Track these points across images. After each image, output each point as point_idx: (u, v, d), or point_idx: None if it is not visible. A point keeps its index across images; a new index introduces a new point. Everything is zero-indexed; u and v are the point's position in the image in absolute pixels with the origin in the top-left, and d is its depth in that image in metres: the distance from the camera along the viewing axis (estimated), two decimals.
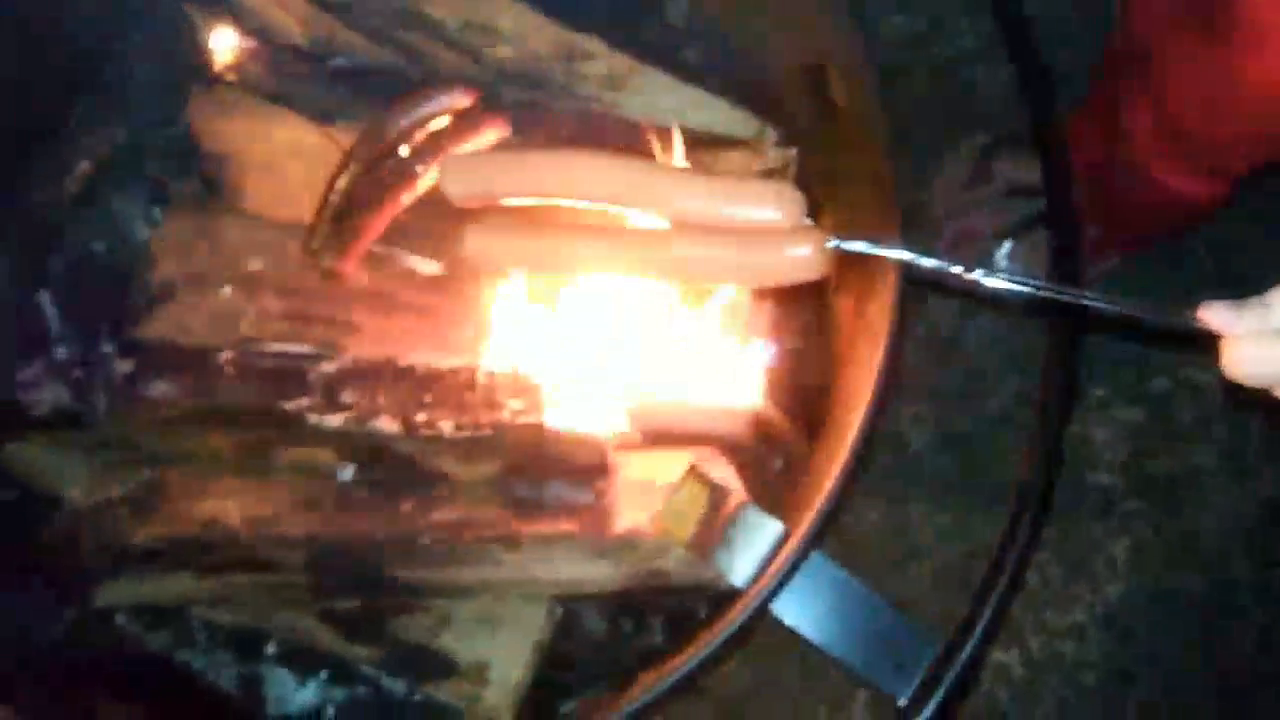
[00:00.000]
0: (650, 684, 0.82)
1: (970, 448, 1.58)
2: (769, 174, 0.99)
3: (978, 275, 0.69)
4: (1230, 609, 1.53)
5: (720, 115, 1.09)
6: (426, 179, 0.95)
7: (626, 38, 1.15)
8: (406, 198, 0.96)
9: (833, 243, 0.73)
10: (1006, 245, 1.57)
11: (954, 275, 0.70)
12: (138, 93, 1.19)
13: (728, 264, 0.73)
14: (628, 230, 0.79)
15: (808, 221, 0.74)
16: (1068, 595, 1.54)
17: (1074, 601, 1.54)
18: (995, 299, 1.61)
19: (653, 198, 0.74)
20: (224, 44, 1.13)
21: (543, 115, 1.05)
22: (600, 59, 1.11)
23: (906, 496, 1.56)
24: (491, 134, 0.94)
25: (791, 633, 0.89)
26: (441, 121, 0.94)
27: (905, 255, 0.73)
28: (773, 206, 0.72)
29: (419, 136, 0.95)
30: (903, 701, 0.85)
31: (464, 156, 0.87)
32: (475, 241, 0.79)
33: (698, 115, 1.09)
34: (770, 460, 1.16)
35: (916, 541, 1.55)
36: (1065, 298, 0.67)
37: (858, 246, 0.73)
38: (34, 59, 1.15)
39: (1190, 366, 1.62)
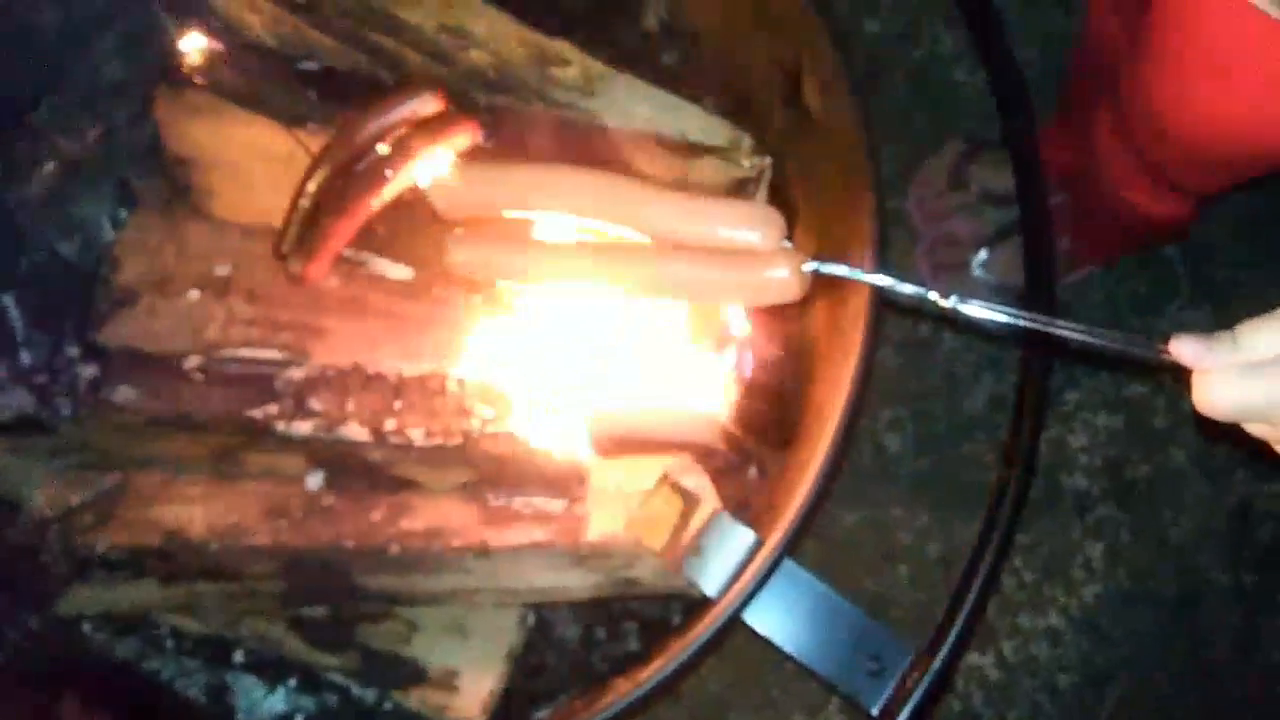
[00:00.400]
0: (623, 692, 0.82)
1: (946, 450, 1.59)
2: (743, 183, 0.99)
3: (953, 302, 0.70)
4: (1205, 611, 1.54)
5: (695, 122, 1.08)
6: (397, 183, 0.94)
7: (602, 42, 1.14)
8: (377, 202, 0.95)
9: (811, 266, 0.74)
10: (983, 254, 1.57)
11: (930, 301, 0.71)
12: (105, 93, 1.17)
13: (707, 283, 0.75)
14: (609, 245, 0.79)
15: (787, 244, 0.75)
16: (1043, 598, 1.55)
17: (1049, 604, 1.55)
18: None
19: (635, 215, 0.76)
20: (192, 45, 1.11)
21: (515, 121, 1.03)
22: (574, 64, 1.09)
23: (884, 499, 1.56)
24: (462, 138, 0.93)
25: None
26: (412, 124, 0.93)
27: (884, 281, 0.74)
28: (752, 227, 0.74)
29: (390, 139, 0.93)
30: (875, 710, 0.85)
31: (453, 171, 0.88)
32: (458, 252, 0.80)
33: (672, 122, 1.08)
34: (745, 467, 1.16)
35: (894, 543, 1.55)
36: (1039, 326, 0.68)
37: (837, 270, 0.75)
38: (0, 56, 1.13)
39: (1164, 372, 1.62)
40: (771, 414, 1.13)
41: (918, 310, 1.61)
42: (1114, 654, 1.53)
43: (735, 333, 1.09)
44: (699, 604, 1.00)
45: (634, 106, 1.09)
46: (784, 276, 0.74)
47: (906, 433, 1.60)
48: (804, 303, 1.12)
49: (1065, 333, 0.67)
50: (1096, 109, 1.18)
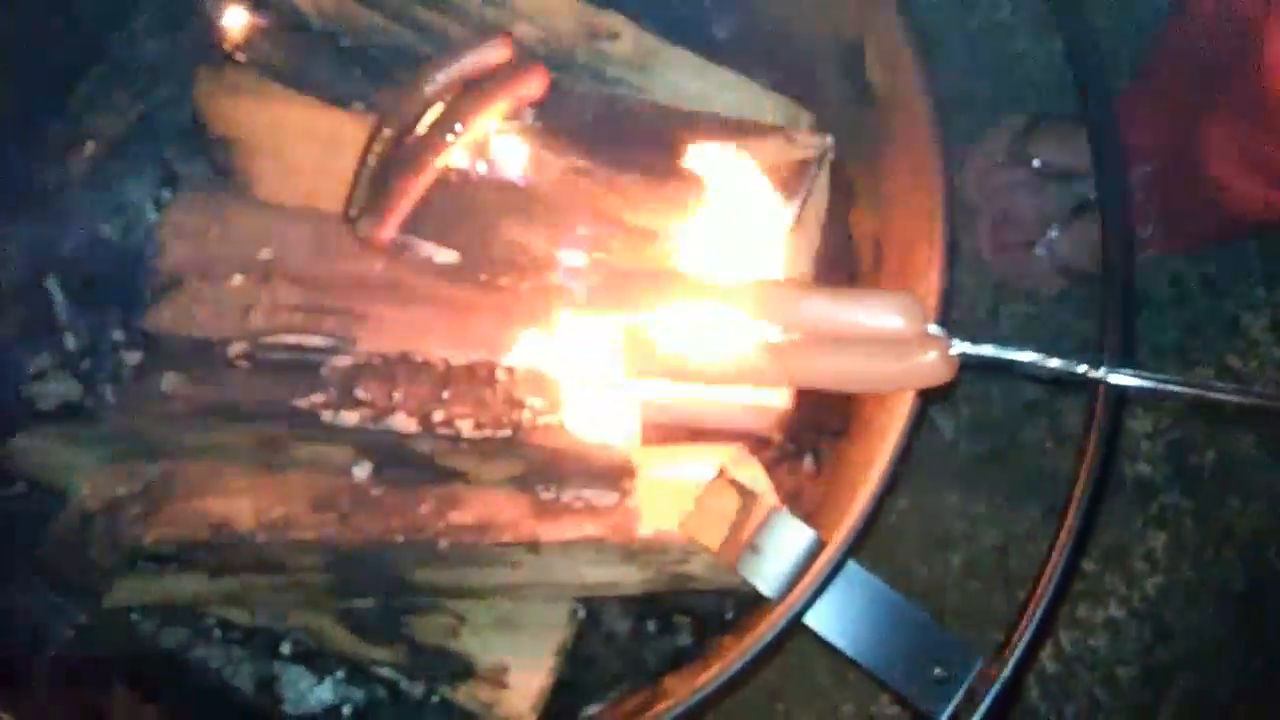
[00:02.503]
0: (681, 697, 0.79)
1: (1003, 435, 1.54)
2: (805, 164, 0.94)
3: (1103, 374, 0.69)
4: (1272, 604, 1.48)
5: (750, 98, 1.04)
6: (466, 137, 0.90)
7: (654, 13, 1.10)
8: (443, 161, 0.91)
9: (959, 349, 0.76)
10: (1052, 233, 1.51)
11: (1079, 374, 0.74)
12: (146, 71, 1.15)
13: (857, 373, 0.78)
14: (765, 342, 0.82)
15: (931, 329, 0.77)
16: (1103, 589, 1.50)
17: (1109, 595, 1.50)
18: (1031, 289, 1.56)
19: (786, 313, 0.79)
20: (235, 22, 1.08)
21: (566, 99, 0.99)
22: (625, 38, 1.05)
23: (937, 484, 1.52)
24: (531, 86, 0.90)
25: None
26: (479, 75, 0.89)
27: (1031, 357, 0.77)
28: (897, 315, 0.77)
29: (456, 95, 0.90)
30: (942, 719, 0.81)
31: (609, 279, 0.94)
32: (632, 357, 0.85)
33: (726, 98, 1.04)
34: (799, 456, 1.12)
35: (948, 530, 1.51)
36: (1197, 392, 0.66)
37: (984, 351, 0.77)
38: (40, 34, 1.11)
39: (1232, 354, 1.56)
40: (827, 402, 1.09)
41: (974, 292, 1.58)
42: (1176, 648, 1.48)
43: None
44: (754, 599, 0.97)
45: (686, 82, 1.05)
46: (932, 360, 0.76)
47: (961, 416, 1.55)
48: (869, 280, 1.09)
49: (1228, 397, 0.65)
50: (1194, 89, 1.12)
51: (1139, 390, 0.71)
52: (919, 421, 0.86)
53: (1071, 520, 0.77)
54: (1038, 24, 1.63)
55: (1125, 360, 0.78)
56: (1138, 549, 1.52)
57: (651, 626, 1.08)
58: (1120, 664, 1.48)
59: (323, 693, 1.07)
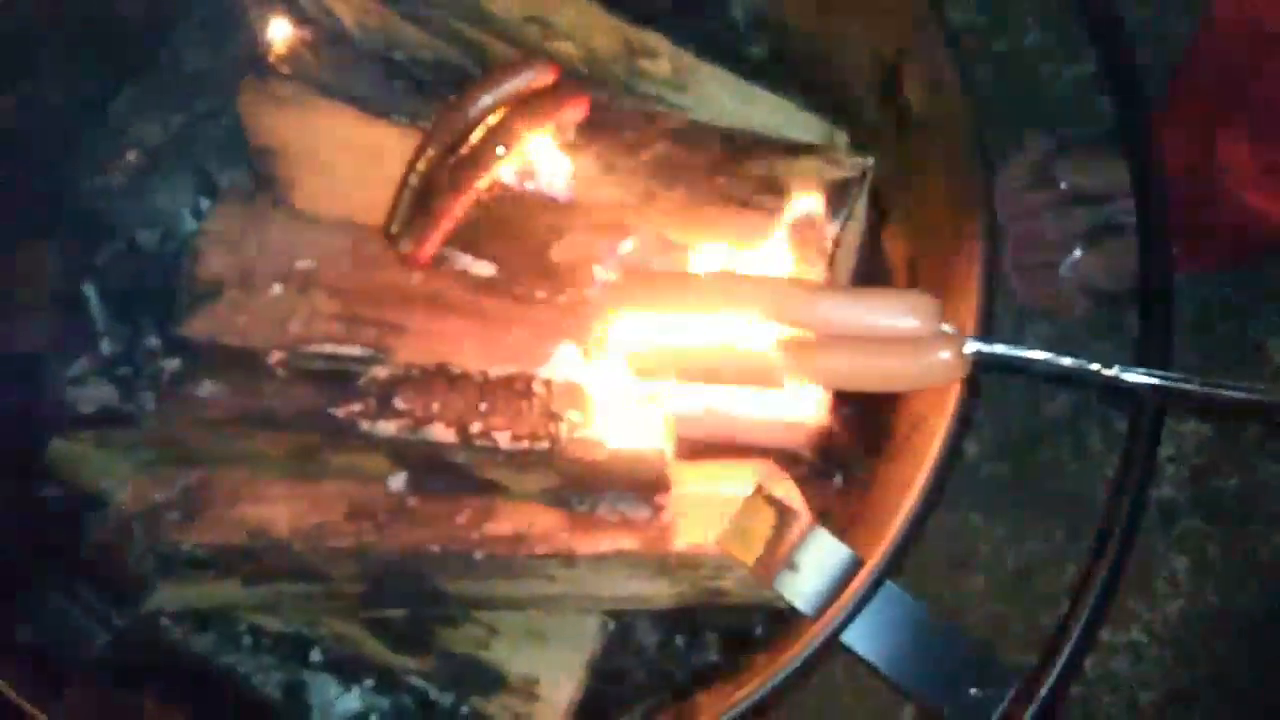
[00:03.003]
0: (715, 714, 0.79)
1: (1026, 456, 1.54)
2: (845, 184, 0.95)
3: (1116, 371, 0.71)
4: None
5: (787, 118, 1.05)
6: (509, 159, 0.91)
7: (686, 33, 1.11)
8: (488, 179, 0.92)
9: (973, 347, 0.76)
10: (1075, 254, 1.51)
11: (1091, 372, 0.73)
12: (188, 82, 1.16)
13: (871, 372, 0.78)
14: (777, 341, 0.82)
15: (946, 327, 0.77)
16: (1125, 612, 1.50)
17: (1131, 619, 1.50)
18: (1054, 310, 1.57)
19: (799, 312, 0.79)
20: (278, 34, 1.09)
21: (606, 117, 1.00)
22: (663, 56, 1.06)
23: (959, 504, 1.52)
24: (573, 112, 0.91)
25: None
26: (523, 98, 0.90)
27: (1043, 356, 0.76)
28: (912, 315, 0.77)
29: (500, 115, 0.91)
30: None
31: (621, 280, 0.94)
32: (638, 361, 0.87)
33: (763, 117, 1.04)
34: (830, 474, 1.12)
35: (969, 551, 1.51)
36: (1208, 391, 0.67)
37: (998, 350, 0.77)
38: (83, 44, 1.12)
39: (1260, 380, 1.56)
40: (860, 420, 1.09)
41: (998, 313, 1.58)
42: (1198, 673, 1.48)
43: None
44: (783, 616, 0.97)
45: (723, 101, 1.06)
46: (946, 359, 0.76)
47: (984, 437, 1.55)
48: None
49: (1243, 396, 0.65)
50: (1221, 106, 1.13)
51: (1162, 392, 0.70)
52: (958, 441, 0.87)
53: (1114, 526, 0.77)
54: (1065, 48, 1.64)
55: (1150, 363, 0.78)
56: (1161, 572, 1.51)
57: (680, 642, 1.08)
58: (1142, 688, 1.48)
59: (351, 701, 1.08)
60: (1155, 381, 0.70)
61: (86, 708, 0.85)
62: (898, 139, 1.04)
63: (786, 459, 1.08)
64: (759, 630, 1.08)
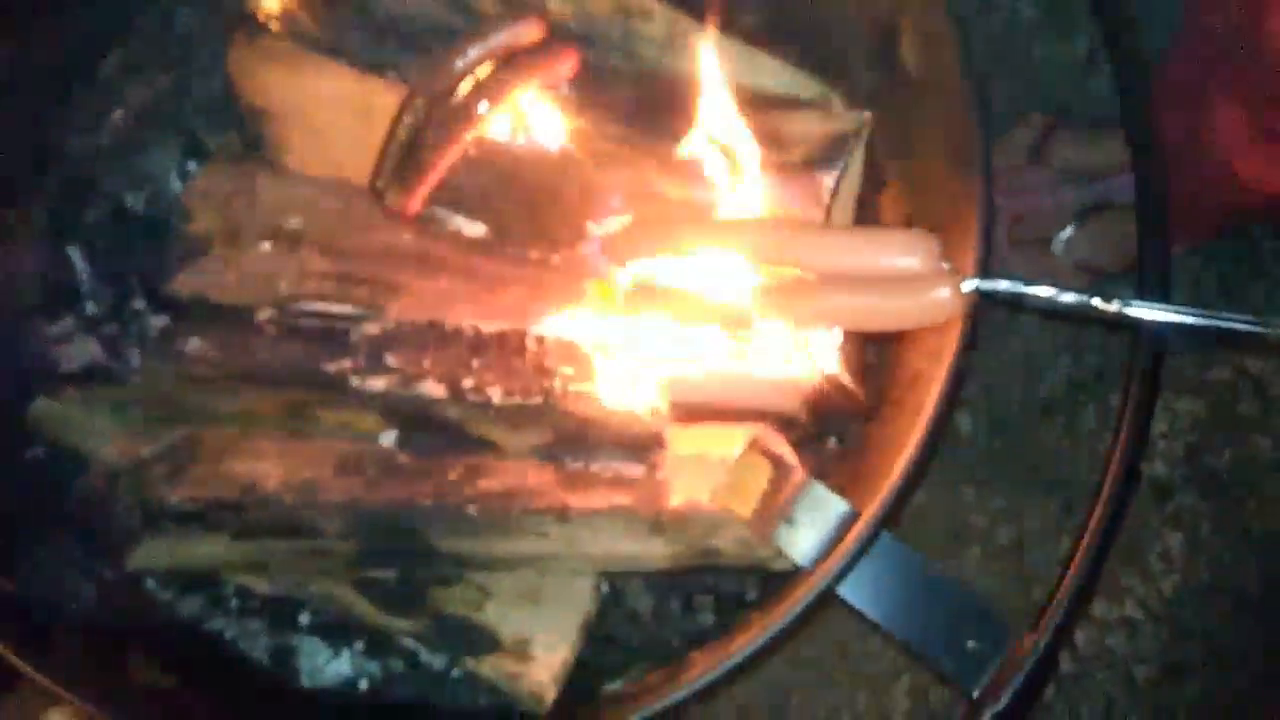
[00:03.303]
0: (710, 665, 0.78)
1: (1021, 433, 1.53)
2: (842, 138, 0.94)
3: (1117, 306, 0.72)
4: None
5: (783, 80, 1.04)
6: (495, 112, 0.90)
7: (680, 5, 1.10)
8: (474, 133, 0.91)
9: (971, 285, 0.76)
10: (1067, 231, 1.51)
11: (1094, 307, 0.73)
12: (176, 42, 1.15)
13: (872, 311, 0.79)
14: (778, 283, 0.83)
15: (944, 265, 0.77)
16: (1119, 588, 1.49)
17: (1125, 594, 1.49)
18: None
19: (798, 253, 0.80)
20: None
21: (599, 74, 0.99)
22: (656, 18, 1.06)
23: (954, 479, 1.51)
24: (561, 67, 0.90)
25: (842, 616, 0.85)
26: (511, 52, 0.89)
27: (1047, 292, 0.76)
28: (911, 254, 0.77)
29: (487, 70, 0.90)
30: (976, 692, 0.80)
31: (623, 231, 0.94)
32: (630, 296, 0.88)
33: (758, 78, 1.04)
34: (824, 438, 1.11)
35: (964, 525, 1.50)
36: (1237, 326, 0.66)
37: (1000, 287, 0.77)
38: (73, 5, 1.11)
39: (1251, 357, 1.56)
40: (854, 384, 1.09)
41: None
42: (1193, 649, 1.47)
43: None
44: (777, 578, 0.96)
45: (719, 63, 1.05)
46: (945, 297, 0.76)
47: (979, 413, 1.54)
48: None
49: (1242, 326, 0.64)
50: (1211, 73, 1.13)
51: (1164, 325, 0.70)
52: (954, 393, 0.86)
53: (1117, 468, 0.76)
54: (1058, 27, 1.64)
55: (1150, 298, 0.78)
56: (1154, 548, 1.51)
57: (674, 606, 1.07)
58: (1137, 663, 1.48)
59: (340, 666, 1.06)
60: (1157, 314, 0.69)
61: (74, 664, 0.84)
62: (894, 101, 1.03)
63: (781, 423, 1.07)
64: (752, 594, 1.07)
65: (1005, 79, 1.63)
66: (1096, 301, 0.73)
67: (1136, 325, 0.75)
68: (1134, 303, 0.72)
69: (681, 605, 1.07)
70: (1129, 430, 0.78)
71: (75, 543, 0.95)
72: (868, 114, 0.97)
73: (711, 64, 1.04)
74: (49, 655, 0.81)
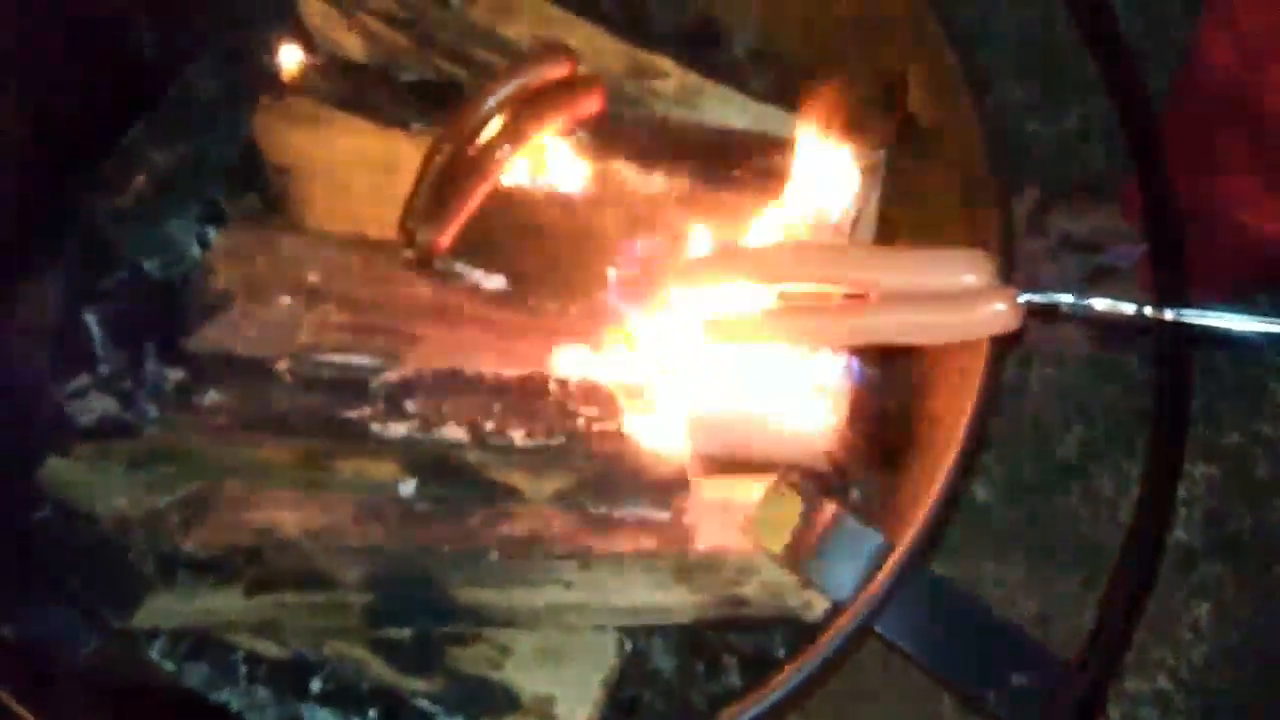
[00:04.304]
0: (758, 697, 0.75)
1: (1038, 501, 1.52)
2: (863, 171, 0.96)
3: (1172, 316, 0.73)
4: None
5: (795, 132, 1.06)
6: (523, 152, 0.92)
7: (695, 57, 1.14)
8: (501, 173, 0.93)
9: (1025, 296, 0.77)
10: (1068, 298, 1.52)
11: (1148, 316, 0.75)
12: (199, 111, 1.18)
13: (928, 325, 0.79)
14: (832, 305, 0.84)
15: (997, 281, 0.79)
16: (1149, 660, 1.45)
17: (1156, 667, 1.45)
18: (1058, 352, 1.57)
19: (854, 275, 0.81)
20: (289, 61, 1.12)
21: (619, 121, 1.02)
22: (671, 76, 1.09)
23: (973, 551, 1.48)
24: (588, 104, 0.92)
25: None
26: (538, 90, 0.92)
27: (1103, 304, 0.78)
28: (970, 272, 0.78)
29: (516, 109, 0.92)
30: None
31: (685, 262, 0.94)
32: (714, 328, 0.86)
33: (772, 130, 1.06)
34: (846, 490, 1.10)
35: (986, 599, 1.46)
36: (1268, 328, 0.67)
37: (1053, 299, 0.79)
38: (98, 75, 1.14)
39: (1260, 420, 1.56)
40: (875, 435, 1.08)
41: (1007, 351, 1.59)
42: (1227, 717, 1.43)
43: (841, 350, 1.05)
44: (806, 633, 0.93)
45: (732, 117, 1.08)
46: (1002, 310, 0.77)
47: (995, 482, 1.53)
48: None
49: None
50: (1216, 126, 1.15)
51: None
52: (981, 429, 0.85)
53: (1156, 468, 0.76)
54: (1049, 104, 1.70)
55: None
56: (1183, 619, 1.47)
57: (699, 667, 1.04)
58: None
59: None
60: (1213, 320, 0.71)
61: (76, 714, 0.80)
62: (903, 153, 1.05)
63: (804, 474, 1.06)
64: (780, 653, 1.03)
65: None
66: (1149, 311, 0.75)
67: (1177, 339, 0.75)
68: (1187, 311, 0.72)
69: (706, 666, 1.04)
70: (1164, 431, 0.78)
71: (83, 591, 0.91)
72: (881, 152, 0.99)
73: (726, 120, 1.07)
74: (51, 705, 0.77)
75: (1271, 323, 0.69)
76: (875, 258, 0.82)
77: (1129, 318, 0.75)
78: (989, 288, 0.77)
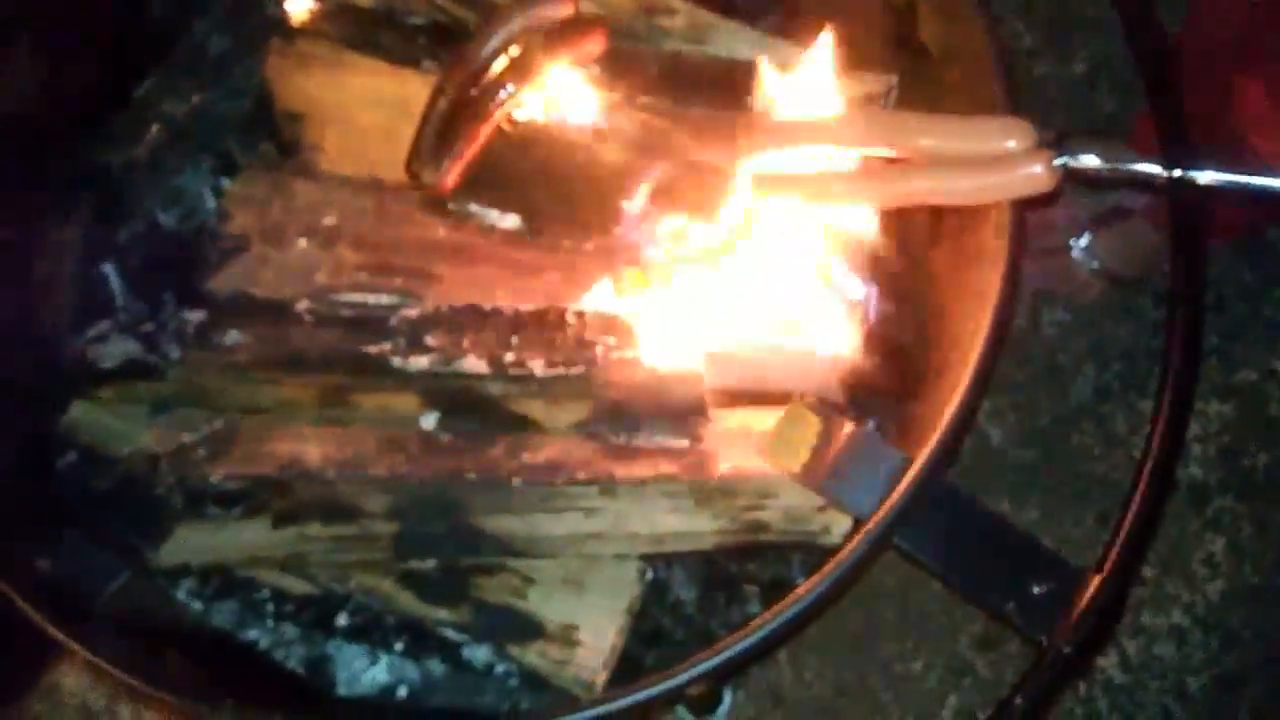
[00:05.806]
0: (777, 611, 0.76)
1: (1052, 442, 1.52)
2: (870, 98, 0.96)
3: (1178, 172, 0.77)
4: None
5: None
6: (527, 90, 0.92)
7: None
8: (507, 110, 0.93)
9: (1061, 160, 0.81)
10: (1085, 238, 1.53)
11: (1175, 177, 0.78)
12: (209, 63, 1.18)
13: (968, 185, 0.83)
14: (876, 167, 0.88)
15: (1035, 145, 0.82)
16: (1165, 595, 1.46)
17: (1171, 602, 1.46)
18: (1070, 294, 1.57)
19: (900, 140, 0.85)
20: (297, 7, 1.12)
21: (627, 55, 1.02)
22: (680, 13, 1.09)
23: (988, 492, 1.49)
24: (591, 44, 0.92)
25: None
26: (540, 30, 0.92)
27: (1144, 167, 0.81)
28: (1008, 138, 0.82)
29: (517, 49, 0.92)
30: (1045, 638, 0.78)
31: (749, 128, 0.97)
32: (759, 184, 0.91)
33: (781, 57, 1.06)
34: (862, 419, 1.10)
35: None
36: None
37: (1089, 162, 0.82)
38: (108, 30, 1.14)
39: (1275, 358, 1.56)
40: (891, 364, 1.08)
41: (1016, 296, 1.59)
42: (1246, 655, 1.43)
43: (857, 280, 1.05)
44: (823, 561, 0.94)
45: (742, 52, 1.08)
46: (1039, 172, 0.81)
47: (1009, 424, 1.54)
48: (925, 251, 1.10)
49: None
50: (1226, 47, 1.15)
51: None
52: (998, 345, 0.86)
53: (1178, 339, 0.77)
54: (1058, 50, 1.70)
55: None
56: (1196, 554, 1.48)
57: (719, 596, 1.05)
58: (1189, 673, 1.43)
59: (377, 673, 1.03)
60: (1211, 174, 0.77)
61: (111, 643, 0.81)
62: (917, 81, 1.05)
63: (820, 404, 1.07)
64: (800, 580, 1.04)
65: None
66: (1178, 172, 0.79)
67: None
68: (1198, 173, 0.78)
69: (727, 596, 1.05)
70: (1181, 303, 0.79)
71: (113, 526, 0.93)
72: (894, 77, 1.00)
73: (735, 55, 1.07)
74: (86, 631, 0.79)
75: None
76: (923, 123, 0.85)
77: (1149, 176, 0.79)
78: (1027, 151, 0.81)
